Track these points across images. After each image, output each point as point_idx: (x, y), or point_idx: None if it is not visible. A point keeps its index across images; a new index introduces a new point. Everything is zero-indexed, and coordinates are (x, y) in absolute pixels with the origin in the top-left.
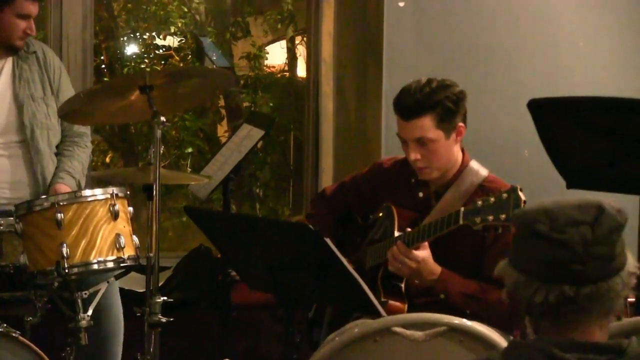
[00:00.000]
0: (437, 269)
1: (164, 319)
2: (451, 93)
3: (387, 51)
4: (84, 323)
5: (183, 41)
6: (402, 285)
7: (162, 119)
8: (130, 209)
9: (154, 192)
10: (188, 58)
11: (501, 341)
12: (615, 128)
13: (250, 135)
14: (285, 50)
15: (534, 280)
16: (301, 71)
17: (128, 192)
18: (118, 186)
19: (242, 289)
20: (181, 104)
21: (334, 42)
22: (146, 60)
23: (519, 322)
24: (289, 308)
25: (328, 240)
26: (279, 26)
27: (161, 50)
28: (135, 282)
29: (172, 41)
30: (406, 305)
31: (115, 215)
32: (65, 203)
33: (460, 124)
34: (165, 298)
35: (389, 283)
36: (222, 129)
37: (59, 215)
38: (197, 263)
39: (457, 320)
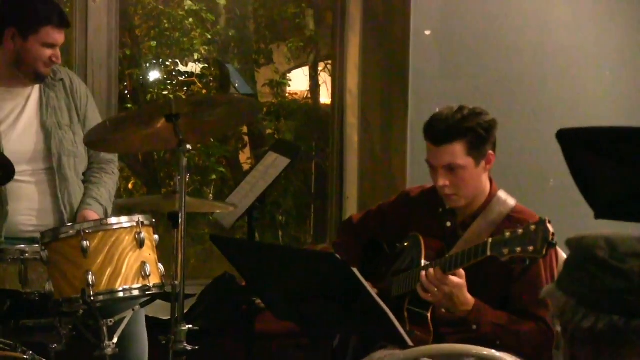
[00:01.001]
0: (471, 299)
1: (189, 347)
2: (483, 121)
3: (412, 80)
4: (109, 351)
5: (206, 67)
6: (429, 315)
7: (188, 147)
8: (156, 236)
9: (180, 220)
10: (211, 84)
11: None
12: None
13: (275, 164)
14: (307, 77)
15: (584, 306)
16: (324, 98)
17: (153, 220)
18: (143, 214)
19: (267, 318)
20: (207, 132)
21: (359, 71)
22: (169, 87)
23: (549, 355)
24: (314, 338)
25: (355, 270)
26: (302, 53)
27: (184, 77)
28: (160, 310)
29: (195, 68)
30: (432, 336)
31: (141, 243)
32: (91, 231)
33: (490, 152)
34: (190, 326)
35: (415, 312)
36: (244, 156)
37: (84, 242)
38: (222, 291)
39: (485, 351)
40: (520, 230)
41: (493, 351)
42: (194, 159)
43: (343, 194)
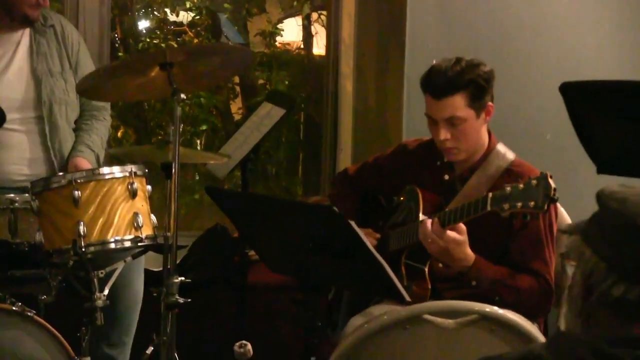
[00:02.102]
0: (472, 255)
1: (181, 300)
2: (482, 71)
3: (409, 31)
4: (99, 303)
5: (197, 17)
6: (426, 270)
7: (182, 96)
8: (149, 187)
9: (173, 171)
10: (202, 34)
11: (533, 330)
12: None
13: (270, 115)
14: (300, 27)
15: (616, 272)
16: (317, 49)
17: (146, 170)
18: (135, 164)
19: (260, 270)
20: (201, 82)
21: (354, 21)
22: (160, 36)
23: (548, 310)
24: (310, 291)
25: (353, 224)
26: (295, 3)
27: (174, 26)
28: (150, 261)
29: (186, 17)
30: (429, 291)
31: (133, 194)
32: (82, 181)
33: (490, 103)
34: (182, 278)
35: (412, 267)
36: (235, 106)
37: (76, 192)
38: (214, 243)
39: (488, 309)
40: (521, 185)
41: (495, 308)
42: (185, 109)
43: (337, 146)
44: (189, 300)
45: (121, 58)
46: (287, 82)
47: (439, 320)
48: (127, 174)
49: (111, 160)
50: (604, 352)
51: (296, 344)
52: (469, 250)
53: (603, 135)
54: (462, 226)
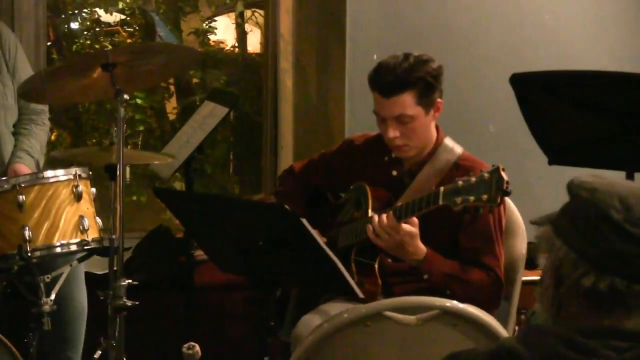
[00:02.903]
0: (423, 248)
1: (129, 302)
2: (431, 68)
3: (350, 27)
4: (47, 308)
5: (128, 18)
6: (376, 266)
7: (125, 97)
8: (93, 189)
9: (118, 172)
10: (135, 34)
11: (494, 323)
12: (602, 104)
13: (213, 113)
14: (234, 25)
15: (586, 263)
16: (252, 46)
17: (90, 173)
18: (80, 166)
19: (206, 270)
20: (144, 82)
21: (292, 17)
22: (91, 37)
23: (498, 304)
24: (262, 290)
25: (304, 221)
26: (228, 1)
27: (105, 26)
28: (93, 264)
29: (118, 17)
30: (380, 287)
31: (78, 197)
32: (26, 185)
33: (439, 99)
34: (130, 281)
35: (362, 263)
36: (169, 106)
37: (20, 197)
38: (158, 244)
39: (449, 304)
40: (473, 179)
41: (456, 302)
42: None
43: (277, 143)
44: (137, 302)
45: (62, 60)
46: (222, 81)
47: (400, 316)
48: (72, 177)
49: (55, 163)
50: (577, 343)
51: (245, 343)
52: (420, 244)
53: (554, 126)
54: (414, 219)
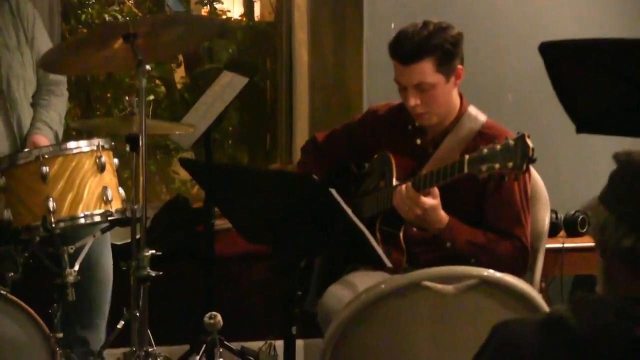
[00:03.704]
0: (445, 217)
1: (153, 273)
2: (449, 35)
3: None
4: (71, 279)
5: None
6: (401, 235)
7: (148, 67)
8: (116, 160)
9: (140, 143)
10: (144, 3)
11: (532, 292)
12: (632, 72)
13: (232, 84)
14: None
15: (627, 223)
16: (261, 16)
17: (113, 144)
18: (101, 137)
19: (226, 240)
20: (165, 53)
21: None
22: (100, 7)
23: (525, 271)
24: (289, 260)
25: (333, 191)
26: None
27: None
28: (114, 235)
29: None
30: (405, 255)
31: (101, 168)
32: (50, 156)
33: (459, 66)
34: (153, 251)
35: (387, 232)
36: (177, 75)
37: (44, 168)
38: (176, 214)
39: (486, 273)
40: (499, 146)
41: (492, 271)
42: (126, 80)
43: (293, 114)
44: (161, 273)
45: (84, 31)
46: (230, 50)
47: (439, 286)
48: (95, 148)
49: (76, 134)
50: (627, 312)
51: (267, 312)
52: (442, 213)
53: (582, 94)
54: (435, 190)
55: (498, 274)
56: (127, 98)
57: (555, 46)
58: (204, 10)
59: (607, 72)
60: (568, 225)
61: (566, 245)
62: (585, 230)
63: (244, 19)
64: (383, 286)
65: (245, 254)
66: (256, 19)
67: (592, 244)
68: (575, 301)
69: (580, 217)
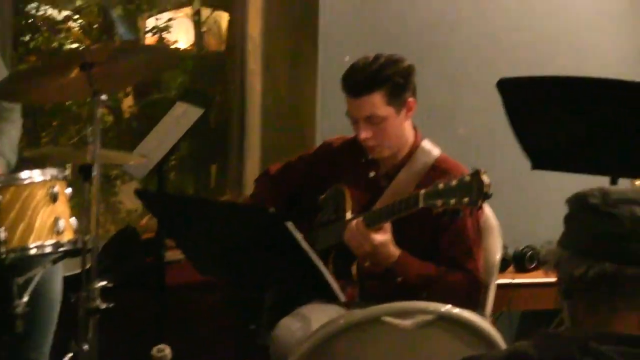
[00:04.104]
0: (396, 252)
1: (103, 305)
2: (400, 68)
3: (322, 28)
4: (19, 310)
5: (77, 16)
6: (354, 269)
7: (103, 97)
8: (69, 190)
9: (94, 173)
10: (93, 32)
11: (489, 328)
12: (588, 109)
13: (187, 114)
14: (191, 25)
15: (578, 255)
16: (210, 46)
17: (66, 174)
18: (54, 166)
19: (176, 271)
20: (122, 82)
21: (262, 17)
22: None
23: (477, 305)
24: (244, 293)
25: (289, 224)
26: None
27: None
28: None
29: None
30: (358, 290)
31: (54, 198)
32: (2, 185)
33: (411, 99)
34: (105, 282)
35: (340, 266)
36: (125, 104)
37: None
38: (125, 245)
39: (444, 308)
40: (454, 182)
41: (449, 306)
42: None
43: (244, 144)
44: (111, 305)
45: (40, 60)
46: (179, 80)
47: (396, 321)
48: (48, 178)
49: (27, 163)
50: (591, 349)
51: (217, 345)
52: (392, 248)
53: (539, 131)
54: (386, 225)
55: (455, 310)
56: (89, 129)
57: (513, 83)
58: (153, 40)
59: (563, 109)
60: (517, 261)
61: (515, 280)
62: (533, 266)
63: (194, 48)
64: (342, 321)
65: (197, 286)
66: (206, 49)
67: (541, 280)
68: (538, 337)
69: (529, 252)
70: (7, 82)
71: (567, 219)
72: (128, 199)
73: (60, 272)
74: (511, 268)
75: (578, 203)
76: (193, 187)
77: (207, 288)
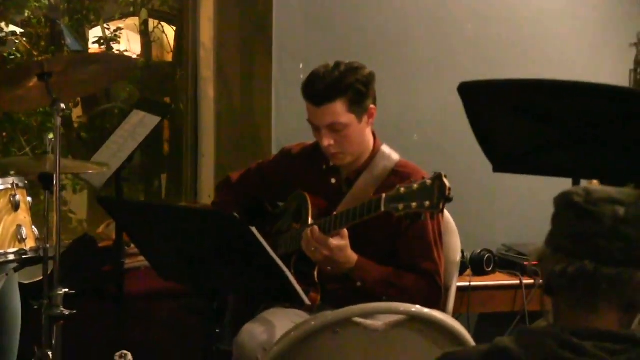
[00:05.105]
0: (354, 257)
1: (67, 312)
2: (361, 75)
3: (276, 36)
4: None
5: (31, 25)
6: (315, 273)
7: (62, 106)
8: (29, 198)
9: (55, 182)
10: (41, 43)
11: (460, 328)
12: (548, 112)
13: (144, 123)
14: (139, 34)
15: (558, 253)
16: (158, 56)
17: (26, 182)
18: (14, 176)
19: (134, 278)
20: (80, 91)
21: (214, 25)
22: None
23: (437, 307)
24: (206, 298)
25: (254, 229)
26: (132, 9)
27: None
28: (21, 274)
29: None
30: (320, 293)
31: (16, 206)
32: None
33: (372, 106)
34: (67, 290)
35: (301, 271)
36: (74, 114)
37: None
38: (83, 253)
39: (414, 309)
40: (415, 185)
41: (418, 307)
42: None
43: (198, 151)
44: (75, 311)
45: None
46: (128, 90)
47: (368, 322)
48: (9, 186)
49: None
50: (571, 343)
51: (178, 351)
52: (350, 253)
53: (500, 134)
54: (344, 231)
55: (426, 310)
56: (50, 137)
57: (474, 87)
58: (100, 50)
59: (524, 112)
60: (474, 264)
61: (473, 283)
62: (490, 268)
63: (141, 58)
64: (313, 322)
65: (154, 292)
66: (154, 59)
67: (499, 283)
68: (519, 333)
69: (487, 255)
70: None
71: (553, 217)
72: (78, 209)
73: (16, 280)
74: (469, 271)
75: (562, 201)
76: (144, 196)
77: (167, 295)
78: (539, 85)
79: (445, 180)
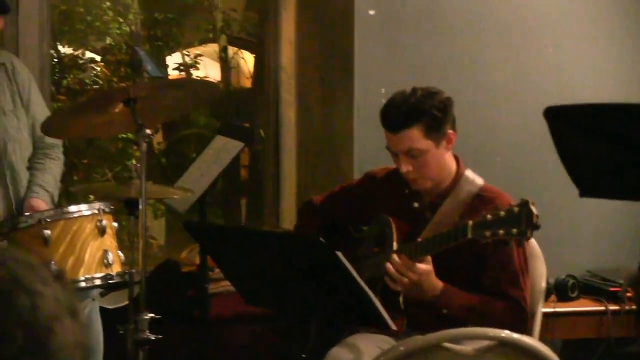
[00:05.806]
0: (439, 284)
1: (152, 337)
2: (437, 101)
3: (358, 61)
4: None
5: (111, 52)
6: (401, 299)
7: (147, 131)
8: (115, 224)
9: (140, 207)
10: (121, 69)
11: (549, 353)
12: (630, 135)
13: (227, 148)
14: (218, 60)
15: None
16: (238, 82)
17: (112, 207)
18: (100, 201)
19: (220, 304)
20: (164, 116)
21: (295, 49)
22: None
23: (523, 333)
24: (291, 323)
25: (339, 254)
26: (211, 35)
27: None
28: (104, 299)
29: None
30: (405, 318)
31: (102, 231)
32: (51, 219)
33: (450, 131)
34: (153, 315)
35: (387, 297)
36: (154, 141)
37: (45, 232)
38: (167, 277)
39: (504, 334)
40: (502, 212)
41: (507, 332)
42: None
43: (280, 176)
44: (160, 336)
45: (87, 96)
46: (204, 115)
47: (457, 347)
48: (96, 212)
49: (73, 198)
50: None
51: None
52: (435, 279)
53: (587, 159)
54: (428, 257)
55: (515, 335)
56: (134, 163)
57: (560, 111)
58: (180, 76)
59: (611, 137)
60: (558, 290)
61: (557, 309)
62: (575, 294)
63: (221, 84)
64: (402, 347)
65: (238, 316)
66: (237, 83)
67: (584, 309)
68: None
69: (571, 282)
70: (53, 119)
71: None
72: (158, 234)
73: (98, 308)
74: (553, 297)
75: None
76: (224, 221)
77: (250, 319)
78: (628, 109)
79: (533, 208)
